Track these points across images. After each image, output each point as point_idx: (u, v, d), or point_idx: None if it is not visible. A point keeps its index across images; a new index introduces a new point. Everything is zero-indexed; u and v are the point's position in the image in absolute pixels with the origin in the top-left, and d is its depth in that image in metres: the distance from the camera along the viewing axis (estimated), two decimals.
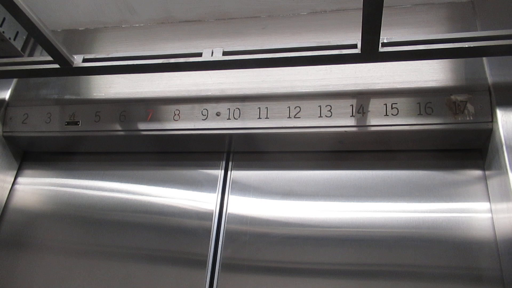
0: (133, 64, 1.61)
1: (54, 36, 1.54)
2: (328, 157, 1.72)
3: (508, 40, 1.34)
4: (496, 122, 1.44)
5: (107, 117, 1.81)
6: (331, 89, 1.64)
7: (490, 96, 1.50)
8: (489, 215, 1.49)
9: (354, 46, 1.43)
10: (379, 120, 1.55)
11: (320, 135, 1.62)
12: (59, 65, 1.65)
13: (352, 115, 1.58)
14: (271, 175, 1.74)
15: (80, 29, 2.12)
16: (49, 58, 1.63)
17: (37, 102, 1.93)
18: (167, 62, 1.57)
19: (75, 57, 1.66)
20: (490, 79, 1.52)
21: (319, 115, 1.61)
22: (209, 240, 1.67)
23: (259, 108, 1.67)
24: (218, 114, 1.70)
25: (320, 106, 1.62)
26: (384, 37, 1.40)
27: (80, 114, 1.84)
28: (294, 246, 1.59)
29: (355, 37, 1.43)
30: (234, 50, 1.54)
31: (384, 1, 1.20)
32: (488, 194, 1.52)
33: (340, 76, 1.65)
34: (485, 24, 1.63)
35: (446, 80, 1.56)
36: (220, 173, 1.80)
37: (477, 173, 1.57)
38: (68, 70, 1.67)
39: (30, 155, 2.04)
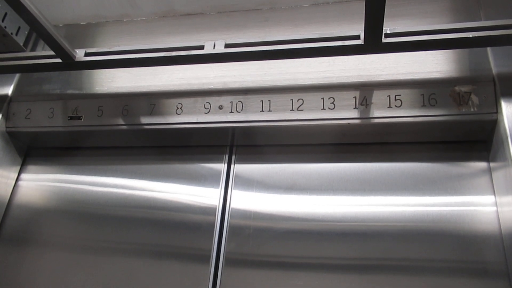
0: (135, 58, 1.60)
1: (56, 31, 1.54)
2: (332, 150, 1.71)
3: None
4: (501, 113, 1.43)
5: (110, 111, 1.81)
6: (334, 81, 1.63)
7: (495, 86, 1.48)
8: (494, 208, 1.48)
9: (357, 37, 1.42)
10: (383, 112, 1.54)
11: (323, 128, 1.61)
12: (61, 59, 1.65)
13: (355, 107, 1.57)
14: (274, 169, 1.74)
15: (82, 23, 2.12)
16: (51, 53, 1.63)
17: (40, 97, 1.93)
18: (169, 55, 1.57)
19: (77, 51, 1.66)
20: (494, 70, 1.51)
21: (322, 108, 1.60)
22: (213, 234, 1.66)
23: (262, 101, 1.66)
24: (220, 108, 1.70)
25: (323, 98, 1.61)
26: (387, 28, 1.39)
27: (83, 109, 1.85)
28: (297, 240, 1.59)
29: (358, 29, 1.42)
30: (236, 42, 1.54)
31: None
32: (493, 186, 1.51)
33: (343, 68, 1.64)
34: (489, 14, 1.62)
35: (450, 71, 1.55)
36: (223, 167, 1.79)
37: (482, 165, 1.56)
38: (70, 64, 1.67)
39: (33, 150, 2.04)
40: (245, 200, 1.71)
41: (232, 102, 1.69)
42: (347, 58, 1.63)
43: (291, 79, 1.68)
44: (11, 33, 1.92)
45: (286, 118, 1.62)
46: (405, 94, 1.55)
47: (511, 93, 1.45)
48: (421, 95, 1.53)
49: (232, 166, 1.79)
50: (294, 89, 1.66)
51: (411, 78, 1.57)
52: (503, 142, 1.41)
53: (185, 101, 1.74)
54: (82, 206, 1.85)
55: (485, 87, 1.49)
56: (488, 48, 1.55)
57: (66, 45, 1.59)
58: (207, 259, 1.63)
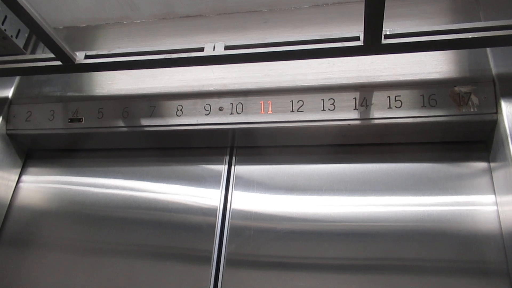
0: (135, 60, 1.60)
1: (56, 33, 1.54)
2: (332, 151, 1.71)
3: None
4: (501, 113, 1.43)
5: (110, 113, 1.81)
6: (334, 83, 1.63)
7: (495, 87, 1.48)
8: (495, 207, 1.49)
9: (357, 38, 1.42)
10: (383, 113, 1.54)
11: (323, 129, 1.61)
12: (61, 62, 1.65)
13: (355, 108, 1.57)
14: (274, 170, 1.74)
15: (81, 26, 2.12)
16: (51, 55, 1.63)
17: (40, 100, 1.93)
18: (169, 57, 1.57)
19: (77, 54, 1.66)
20: (494, 70, 1.51)
21: (322, 109, 1.60)
22: (214, 235, 1.67)
23: (262, 102, 1.67)
24: (220, 109, 1.70)
25: (323, 99, 1.61)
26: (386, 29, 1.39)
27: (83, 111, 1.85)
28: (298, 241, 1.59)
29: (358, 30, 1.42)
30: (236, 44, 1.54)
31: None
32: (493, 186, 1.51)
33: (342, 69, 1.64)
34: (488, 15, 1.62)
35: (450, 71, 1.55)
36: (223, 168, 1.79)
37: (482, 165, 1.56)
38: (70, 67, 1.67)
39: (34, 152, 2.04)
40: (245, 201, 1.71)
41: (232, 103, 1.69)
42: (347, 59, 1.63)
43: (291, 80, 1.68)
44: (11, 36, 1.92)
45: (286, 120, 1.62)
46: (405, 95, 1.55)
47: (511, 93, 1.45)
48: (421, 95, 1.53)
49: (232, 167, 1.79)
50: (294, 91, 1.66)
51: (411, 79, 1.57)
52: (503, 142, 1.41)
53: (185, 103, 1.74)
54: (83, 208, 1.85)
55: (485, 88, 1.49)
56: (488, 49, 1.55)
57: (66, 47, 1.59)
58: (208, 260, 1.63)
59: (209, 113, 1.70)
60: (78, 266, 1.73)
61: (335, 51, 1.45)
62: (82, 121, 1.83)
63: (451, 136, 1.58)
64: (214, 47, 1.55)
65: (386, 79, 1.59)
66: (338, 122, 1.58)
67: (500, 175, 1.47)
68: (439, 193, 1.55)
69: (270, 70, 1.72)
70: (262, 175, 1.74)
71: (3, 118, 1.91)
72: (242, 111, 1.67)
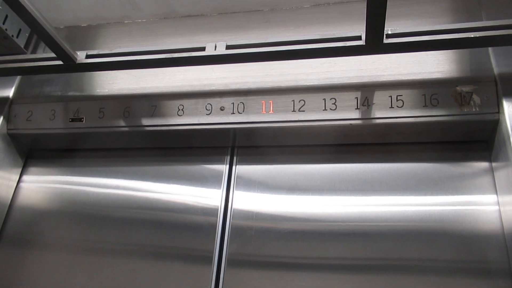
0: (136, 60, 1.60)
1: (57, 33, 1.54)
2: (333, 151, 1.71)
3: None
4: (503, 113, 1.43)
5: (111, 113, 1.81)
6: (335, 82, 1.63)
7: (496, 86, 1.48)
8: (496, 207, 1.48)
9: (359, 38, 1.42)
10: (384, 113, 1.54)
11: (325, 129, 1.61)
12: (63, 61, 1.65)
13: (357, 108, 1.57)
14: (276, 170, 1.74)
15: (82, 25, 2.12)
16: (52, 55, 1.63)
17: (41, 99, 1.93)
18: (170, 57, 1.57)
19: (78, 53, 1.66)
20: (496, 70, 1.51)
21: (323, 108, 1.60)
22: (215, 235, 1.66)
23: (263, 102, 1.66)
24: (222, 109, 1.70)
25: (324, 99, 1.61)
26: (388, 29, 1.39)
27: (84, 111, 1.84)
28: (299, 241, 1.59)
29: (359, 30, 1.42)
30: (237, 44, 1.54)
31: None
32: (495, 186, 1.51)
33: (344, 69, 1.64)
34: (490, 14, 1.62)
35: (452, 71, 1.55)
36: (225, 168, 1.79)
37: (484, 165, 1.56)
38: (71, 66, 1.67)
39: (34, 152, 2.04)
40: (247, 201, 1.71)
41: (233, 103, 1.69)
42: (349, 58, 1.63)
43: (292, 80, 1.68)
44: (12, 36, 1.91)
45: (288, 119, 1.62)
46: (406, 94, 1.55)
47: None
48: (422, 95, 1.53)
49: (233, 167, 1.79)
50: (296, 90, 1.66)
51: (412, 78, 1.57)
52: (505, 142, 1.41)
53: (187, 102, 1.74)
54: (84, 208, 1.85)
55: (487, 87, 1.49)
56: (490, 48, 1.55)
57: (67, 47, 1.59)
58: (209, 260, 1.63)
59: (210, 113, 1.70)
60: (79, 266, 1.73)
61: (336, 50, 1.45)
62: (83, 121, 1.83)
63: (452, 136, 1.58)
64: (215, 47, 1.55)
65: (388, 79, 1.59)
66: (339, 121, 1.58)
67: (502, 175, 1.46)
68: (440, 193, 1.55)
69: (271, 69, 1.72)
70: (264, 175, 1.74)
71: (4, 117, 1.91)
72: (243, 111, 1.67)
